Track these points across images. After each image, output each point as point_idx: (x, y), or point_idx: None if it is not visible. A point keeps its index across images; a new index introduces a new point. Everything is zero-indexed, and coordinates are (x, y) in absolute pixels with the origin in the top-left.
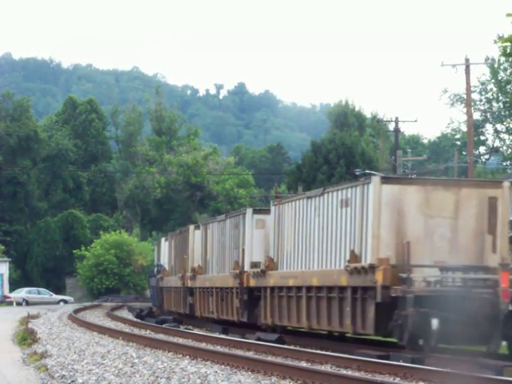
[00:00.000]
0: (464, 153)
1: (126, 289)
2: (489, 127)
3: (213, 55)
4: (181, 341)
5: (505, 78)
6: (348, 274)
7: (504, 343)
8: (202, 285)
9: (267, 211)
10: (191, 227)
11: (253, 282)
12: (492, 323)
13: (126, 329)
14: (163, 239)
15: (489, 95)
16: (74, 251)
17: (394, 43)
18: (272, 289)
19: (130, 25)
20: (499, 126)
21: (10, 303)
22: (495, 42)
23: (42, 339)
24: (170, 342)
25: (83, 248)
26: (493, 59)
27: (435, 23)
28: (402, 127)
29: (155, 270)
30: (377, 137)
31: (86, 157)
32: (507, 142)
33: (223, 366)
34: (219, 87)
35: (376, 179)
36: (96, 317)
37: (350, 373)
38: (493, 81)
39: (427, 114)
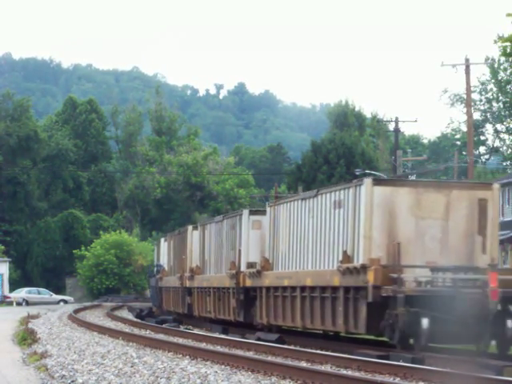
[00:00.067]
0: (464, 153)
1: (126, 289)
2: (489, 127)
3: (213, 55)
4: (181, 341)
5: (505, 78)
6: (340, 274)
7: (493, 342)
8: (199, 285)
9: (263, 212)
10: (189, 228)
11: (249, 282)
12: (481, 323)
13: (126, 329)
14: (162, 239)
15: (489, 95)
16: (74, 251)
17: (394, 43)
18: (267, 289)
19: (130, 25)
20: (499, 126)
21: (10, 303)
22: (495, 41)
23: (42, 339)
24: (170, 342)
25: (83, 248)
26: (493, 59)
27: (435, 23)
28: (402, 127)
29: (155, 270)
30: (377, 137)
31: (86, 157)
32: (507, 142)
33: (223, 366)
34: (219, 87)
35: (368, 181)
36: (96, 317)
37: (350, 373)
38: (493, 81)
39: (427, 114)
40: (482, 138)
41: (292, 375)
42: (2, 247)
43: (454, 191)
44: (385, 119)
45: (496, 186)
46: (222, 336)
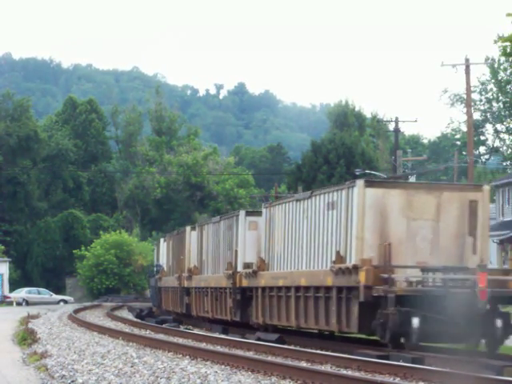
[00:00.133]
0: (464, 153)
1: (126, 289)
2: (489, 127)
3: (213, 55)
4: (181, 341)
5: (505, 78)
6: (333, 274)
7: (483, 341)
8: (197, 285)
9: (260, 213)
10: (188, 228)
11: (245, 283)
12: (471, 322)
13: (126, 329)
14: (162, 240)
15: (489, 95)
16: (74, 251)
17: (394, 43)
18: (263, 289)
19: (130, 25)
20: (499, 126)
21: (10, 303)
22: (495, 41)
23: (42, 339)
24: (170, 342)
25: (83, 248)
26: (493, 59)
27: (435, 23)
28: (402, 127)
29: (154, 270)
30: (377, 137)
31: (86, 157)
32: (507, 142)
33: (223, 366)
34: (219, 87)
35: (360, 183)
36: (96, 317)
37: (350, 373)
38: (493, 81)
39: (427, 114)
40: (482, 138)
41: (292, 375)
42: (2, 247)
43: (445, 193)
44: (385, 119)
45: (486, 187)
46: (222, 336)
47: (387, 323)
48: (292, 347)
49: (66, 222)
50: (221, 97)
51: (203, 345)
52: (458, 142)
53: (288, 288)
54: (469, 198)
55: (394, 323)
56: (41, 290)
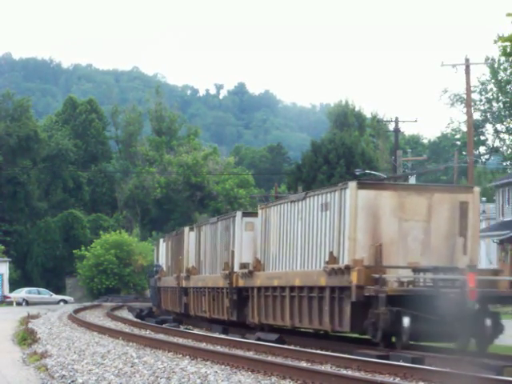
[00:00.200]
0: (464, 153)
1: (126, 289)
2: (489, 127)
3: (213, 55)
4: (181, 341)
5: (505, 78)
6: (326, 274)
7: (472, 340)
8: (195, 285)
9: (256, 214)
10: (186, 229)
11: (241, 283)
12: (460, 321)
13: (126, 329)
14: (161, 240)
15: (489, 95)
16: (74, 251)
17: (394, 43)
18: (259, 289)
19: (130, 25)
20: (499, 126)
21: (10, 303)
22: (495, 41)
23: (42, 339)
24: (170, 342)
25: (83, 248)
26: (493, 59)
27: (435, 23)
28: (402, 127)
29: (154, 270)
30: (377, 137)
31: (86, 157)
32: (507, 142)
33: (223, 366)
34: (219, 87)
35: (352, 185)
36: (96, 317)
37: (350, 373)
38: (493, 81)
39: (427, 114)
40: (482, 138)
41: (292, 375)
42: (2, 247)
43: (436, 194)
44: (385, 119)
45: (477, 189)
46: (222, 336)
47: (378, 322)
48: (292, 347)
49: (66, 221)
50: (221, 97)
51: (203, 345)
52: (458, 142)
53: (283, 288)
54: (459, 199)
55: (385, 322)
56: (41, 290)
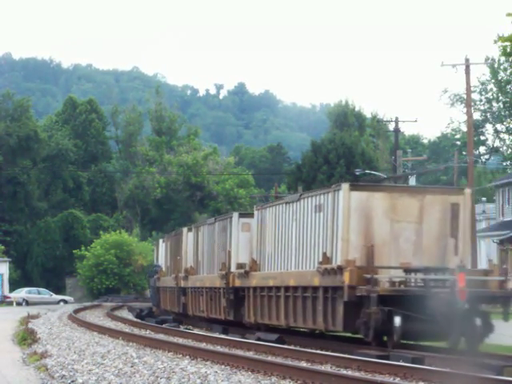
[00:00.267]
0: (464, 153)
1: (126, 289)
2: (489, 127)
3: (213, 55)
4: (181, 341)
5: (505, 78)
6: (320, 274)
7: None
8: (193, 285)
9: (253, 215)
10: (184, 229)
11: (238, 283)
12: (450, 321)
13: (126, 329)
14: (161, 240)
15: (489, 95)
16: (74, 251)
17: (394, 43)
18: (255, 289)
19: (130, 25)
20: (499, 126)
21: (10, 303)
22: (495, 41)
23: (42, 339)
24: (170, 342)
25: (83, 248)
26: (493, 59)
27: (435, 23)
28: (402, 127)
29: (154, 270)
30: (377, 137)
31: (86, 157)
32: (507, 142)
33: (223, 366)
34: (219, 87)
35: (345, 186)
36: (96, 317)
37: (350, 373)
38: (493, 81)
39: (427, 114)
40: (482, 138)
41: (292, 375)
42: (2, 247)
43: (428, 196)
44: (385, 119)
45: (468, 191)
46: (222, 336)
47: (370, 322)
48: (292, 347)
49: (66, 221)
50: (221, 97)
51: (203, 345)
52: (458, 142)
53: (278, 288)
54: (451, 201)
55: (376, 322)
56: (41, 290)
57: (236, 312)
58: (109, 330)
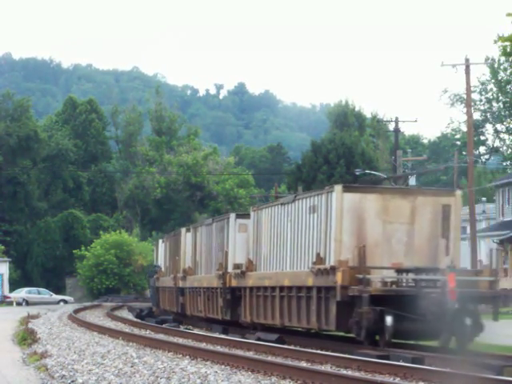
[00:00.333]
0: (464, 153)
1: (126, 289)
2: (489, 127)
3: (213, 55)
4: (181, 341)
5: (505, 78)
6: (313, 275)
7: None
8: (191, 285)
9: (249, 216)
10: (183, 230)
11: (234, 283)
12: (441, 320)
13: (126, 329)
14: (160, 241)
15: (489, 95)
16: (74, 251)
17: (394, 43)
18: (251, 289)
19: (130, 25)
20: (499, 126)
21: (10, 303)
22: (495, 41)
23: (42, 339)
24: (170, 342)
25: (83, 248)
26: (493, 59)
27: (435, 23)
28: (402, 127)
29: (154, 270)
30: (377, 137)
31: (86, 157)
32: (507, 142)
33: (223, 366)
34: (219, 87)
35: (338, 188)
36: (96, 317)
37: (350, 373)
38: (493, 81)
39: (427, 114)
40: (482, 138)
41: (292, 375)
42: (2, 247)
43: (419, 197)
44: (385, 119)
45: (458, 192)
46: (222, 336)
47: (362, 321)
48: (292, 347)
49: (66, 221)
50: (221, 97)
51: (203, 345)
52: (458, 142)
53: (273, 288)
54: (442, 202)
55: (368, 321)
56: (41, 290)
57: (233, 312)
58: (109, 330)
